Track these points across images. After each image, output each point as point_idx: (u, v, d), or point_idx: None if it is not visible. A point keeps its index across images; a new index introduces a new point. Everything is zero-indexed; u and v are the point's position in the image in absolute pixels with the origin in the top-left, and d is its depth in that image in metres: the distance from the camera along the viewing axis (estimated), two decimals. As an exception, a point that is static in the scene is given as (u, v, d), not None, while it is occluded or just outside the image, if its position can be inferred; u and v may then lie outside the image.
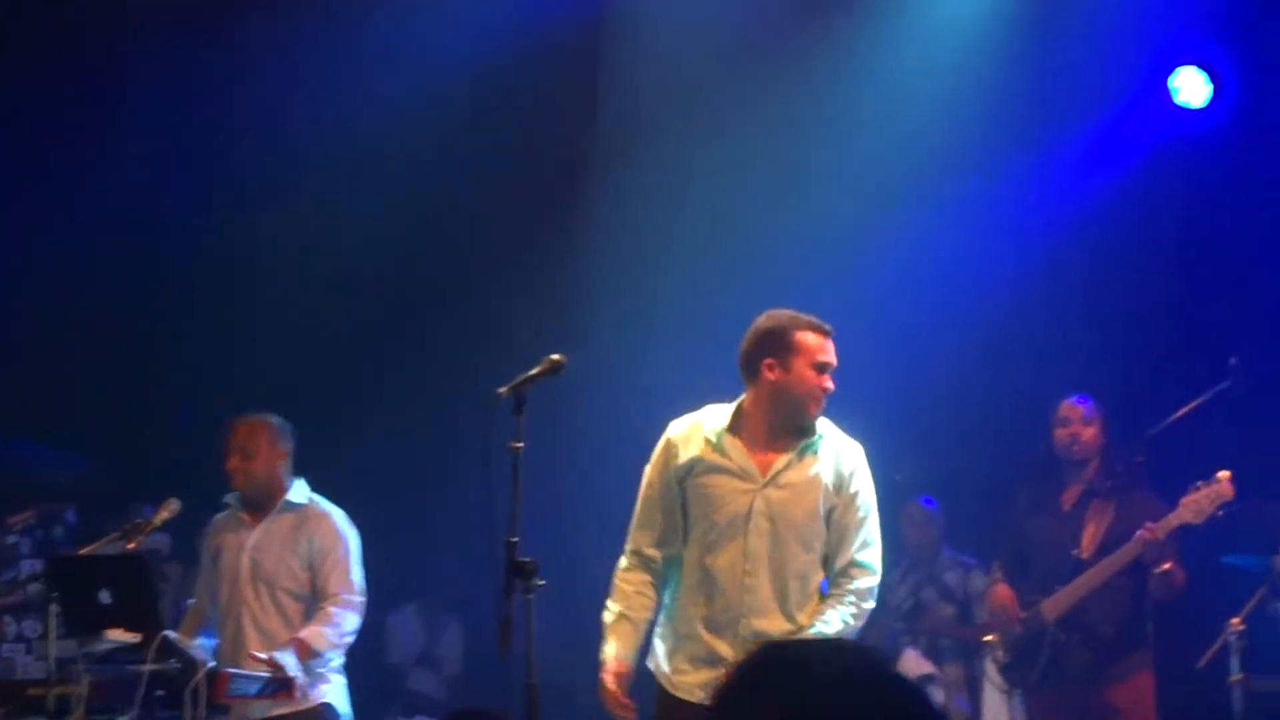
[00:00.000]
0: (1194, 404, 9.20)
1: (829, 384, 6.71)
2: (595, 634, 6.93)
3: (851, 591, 6.74)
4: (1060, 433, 9.04)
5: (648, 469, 6.89)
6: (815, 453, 6.76)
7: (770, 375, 6.70)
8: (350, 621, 8.38)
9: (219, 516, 8.72)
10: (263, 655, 8.07)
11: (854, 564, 6.77)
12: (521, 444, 6.44)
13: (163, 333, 11.79)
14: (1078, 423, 9.03)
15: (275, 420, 8.62)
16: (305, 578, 8.43)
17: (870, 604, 6.80)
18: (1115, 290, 10.92)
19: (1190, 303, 10.73)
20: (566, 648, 7.30)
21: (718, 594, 6.73)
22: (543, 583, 6.35)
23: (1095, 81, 10.93)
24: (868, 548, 6.79)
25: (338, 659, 8.46)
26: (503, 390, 6.49)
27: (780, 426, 6.75)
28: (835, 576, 6.78)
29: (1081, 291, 10.94)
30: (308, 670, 8.22)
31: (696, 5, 11.35)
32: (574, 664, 7.54)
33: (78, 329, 11.55)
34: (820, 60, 11.30)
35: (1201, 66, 10.71)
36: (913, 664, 10.54)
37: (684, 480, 6.78)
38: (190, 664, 7.61)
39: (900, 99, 11.26)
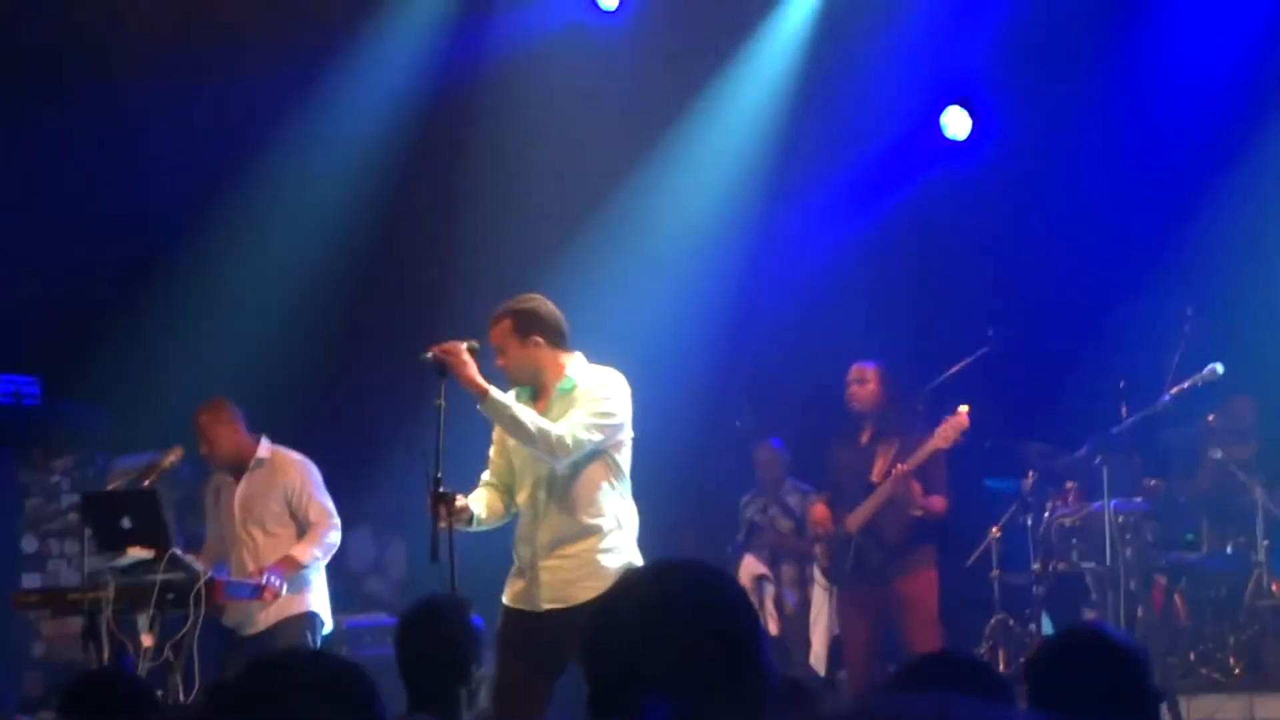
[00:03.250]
0: (961, 364, 9.43)
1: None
2: (501, 548, 7.05)
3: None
4: (847, 392, 9.21)
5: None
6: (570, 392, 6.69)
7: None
8: (329, 537, 8.38)
9: (213, 475, 8.70)
10: (256, 571, 8.15)
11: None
12: (443, 403, 6.49)
13: (163, 317, 11.65)
14: (855, 383, 9.11)
15: (217, 402, 8.53)
16: (287, 515, 8.40)
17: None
18: (906, 282, 11.06)
19: (962, 290, 10.95)
20: (484, 559, 7.44)
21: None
22: (461, 506, 6.48)
23: (877, 117, 10.95)
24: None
25: (321, 575, 8.45)
26: (427, 356, 6.52)
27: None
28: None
29: (879, 286, 10.98)
30: (296, 579, 8.24)
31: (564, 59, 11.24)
32: (489, 571, 7.62)
33: (97, 317, 11.47)
34: (659, 106, 11.31)
35: (964, 105, 10.76)
36: (751, 566, 10.58)
37: None
38: (193, 574, 7.68)
39: (721, 143, 11.30)
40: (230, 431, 8.50)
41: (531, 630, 6.62)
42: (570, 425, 6.53)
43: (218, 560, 8.47)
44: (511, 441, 6.73)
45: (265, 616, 8.28)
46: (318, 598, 8.47)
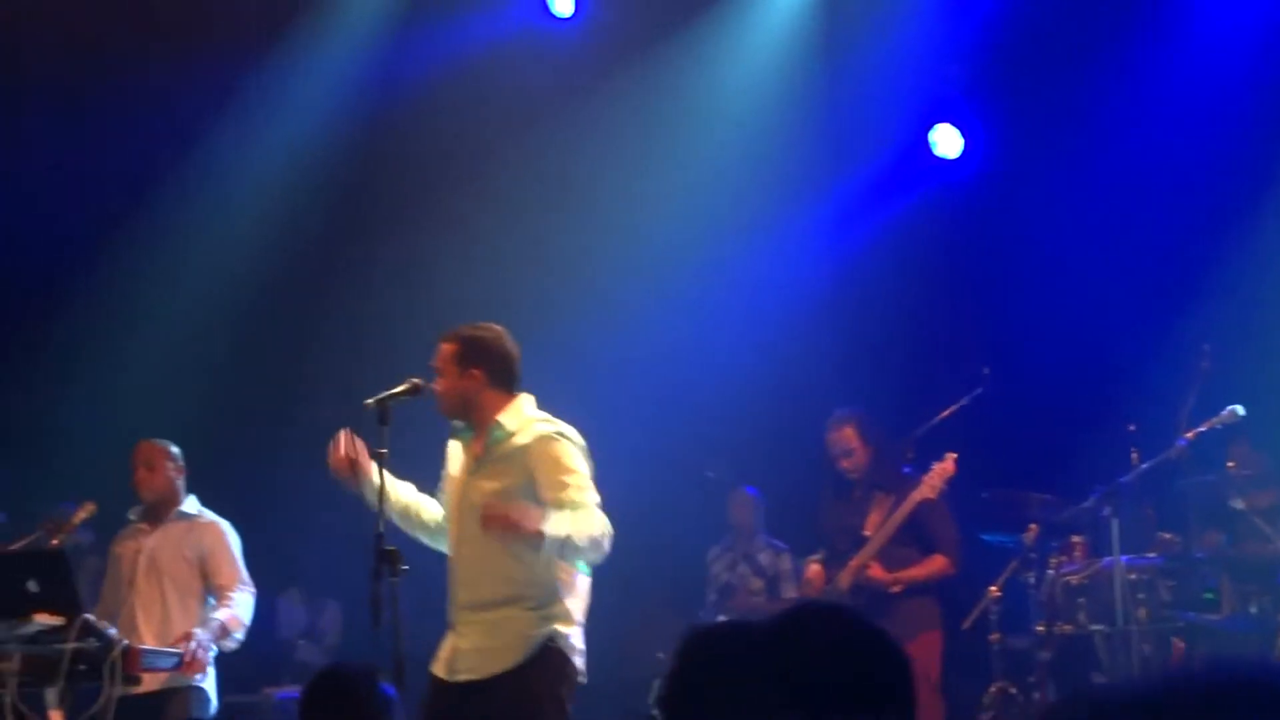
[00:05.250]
0: (954, 406, 9.43)
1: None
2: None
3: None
4: (839, 463, 9.15)
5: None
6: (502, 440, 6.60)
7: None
8: (249, 605, 8.41)
9: (122, 530, 8.65)
10: (183, 636, 8.06)
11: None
12: (386, 450, 6.43)
13: (66, 359, 11.57)
14: (842, 456, 9.11)
15: (171, 446, 8.62)
16: (194, 576, 8.39)
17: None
18: (892, 314, 11.03)
19: (954, 324, 10.94)
20: (428, 621, 7.33)
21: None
22: (406, 568, 6.29)
23: (866, 136, 10.99)
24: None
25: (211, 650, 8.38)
26: (369, 402, 6.46)
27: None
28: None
29: (863, 317, 11.00)
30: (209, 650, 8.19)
31: (524, 63, 11.26)
32: (435, 636, 7.51)
33: None
34: (630, 117, 11.28)
35: (955, 123, 10.85)
36: None
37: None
38: (107, 642, 7.58)
39: (704, 151, 11.25)
40: (171, 468, 8.57)
41: (444, 702, 6.50)
42: (591, 511, 6.36)
43: (109, 619, 8.26)
44: (449, 483, 6.66)
45: (153, 677, 8.09)
46: (208, 675, 8.34)
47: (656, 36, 11.14)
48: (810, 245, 11.16)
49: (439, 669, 6.57)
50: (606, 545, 6.43)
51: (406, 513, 6.75)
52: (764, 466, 11.25)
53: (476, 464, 6.58)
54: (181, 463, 8.64)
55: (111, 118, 11.06)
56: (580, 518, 6.35)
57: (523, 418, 6.58)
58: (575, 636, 6.56)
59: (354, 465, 6.55)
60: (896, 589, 8.85)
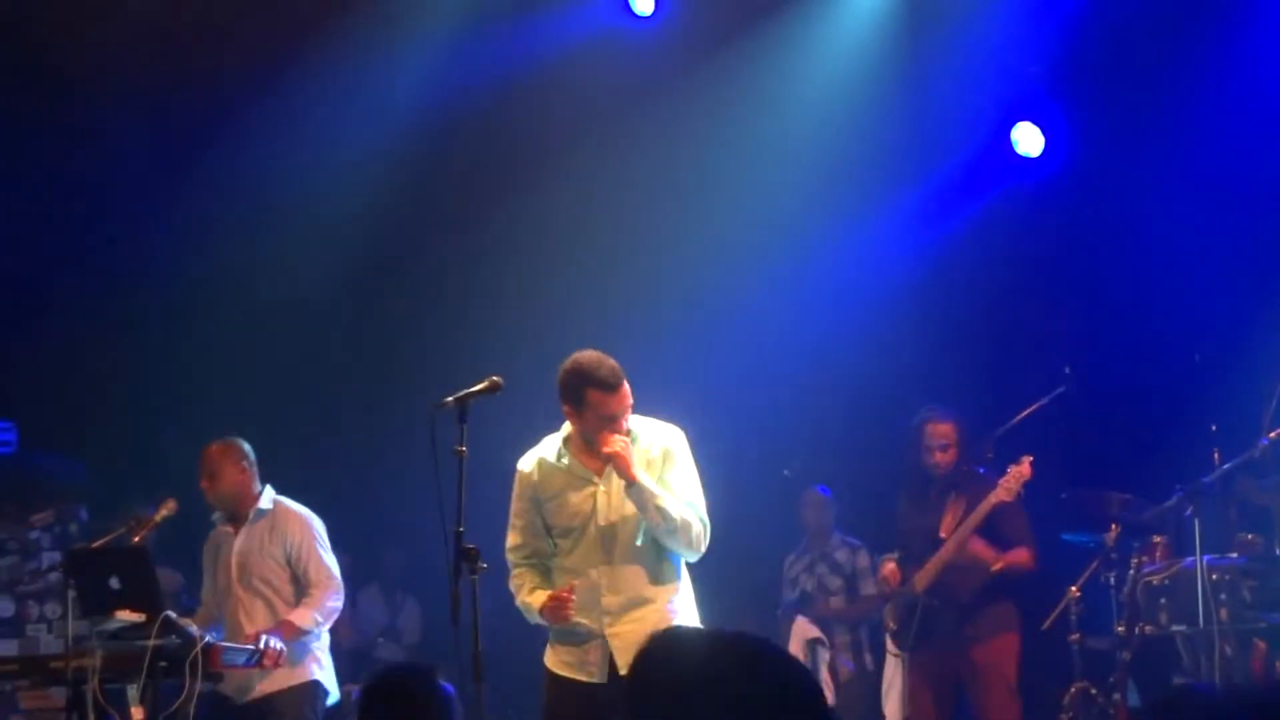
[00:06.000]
0: (1035, 406, 9.39)
1: (621, 427, 6.78)
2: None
3: None
4: (927, 458, 9.11)
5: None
6: (633, 445, 6.83)
7: (570, 417, 6.88)
8: (330, 601, 8.41)
9: (213, 531, 8.71)
10: (253, 635, 8.12)
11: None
12: (465, 448, 6.51)
13: (151, 359, 11.65)
14: (938, 450, 9.08)
15: (235, 442, 8.59)
16: (286, 573, 8.44)
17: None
18: (973, 313, 10.96)
19: (1036, 323, 10.84)
20: (507, 619, 7.36)
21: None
22: (485, 565, 6.43)
23: (950, 133, 10.96)
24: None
25: (324, 641, 8.50)
26: (448, 400, 6.58)
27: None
28: None
29: (942, 315, 10.95)
30: (298, 646, 8.27)
31: (605, 63, 11.26)
32: (513, 632, 7.51)
33: (80, 358, 11.49)
34: (713, 114, 11.28)
35: (1037, 121, 10.79)
36: (804, 629, 10.63)
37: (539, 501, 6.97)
38: (188, 639, 7.67)
39: (787, 148, 11.20)
40: (237, 472, 8.56)
41: (588, 701, 6.72)
42: (698, 512, 6.84)
43: (213, 622, 8.50)
44: (556, 502, 6.87)
45: (265, 684, 8.31)
46: (321, 665, 8.48)
47: (737, 34, 11.12)
48: (891, 243, 11.11)
49: (574, 672, 6.80)
50: (696, 542, 6.80)
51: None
52: (840, 464, 11.24)
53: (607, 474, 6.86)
54: (251, 458, 8.62)
55: (189, 116, 11.17)
56: (681, 506, 6.76)
57: (646, 423, 6.95)
58: None
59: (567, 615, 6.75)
60: (998, 567, 8.87)
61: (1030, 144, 10.83)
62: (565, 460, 6.89)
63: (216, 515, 8.70)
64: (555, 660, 6.89)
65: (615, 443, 6.69)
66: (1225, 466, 8.86)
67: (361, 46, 11.06)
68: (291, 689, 8.31)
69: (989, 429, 9.38)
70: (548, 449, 6.98)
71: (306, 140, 11.21)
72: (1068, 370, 9.42)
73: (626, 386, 6.75)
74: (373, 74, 11.17)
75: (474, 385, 6.69)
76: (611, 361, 6.77)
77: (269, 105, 11.06)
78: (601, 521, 6.84)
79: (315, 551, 8.49)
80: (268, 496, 8.60)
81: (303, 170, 11.25)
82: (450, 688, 5.20)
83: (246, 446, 8.63)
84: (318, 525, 8.60)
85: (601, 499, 6.85)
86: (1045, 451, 8.96)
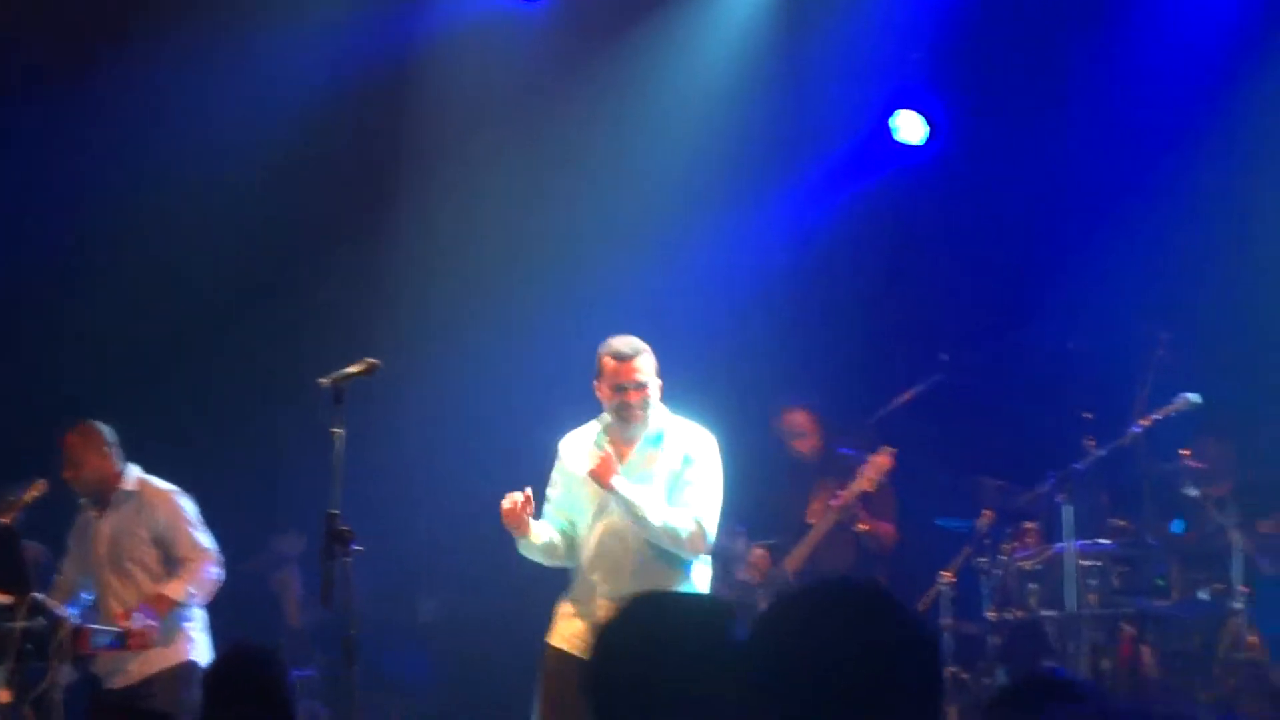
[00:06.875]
0: (911, 392, 9.50)
1: (630, 398, 7.09)
2: (409, 590, 6.99)
3: None
4: (788, 446, 9.36)
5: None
6: (658, 447, 7.18)
7: (597, 391, 7.19)
8: (205, 573, 8.26)
9: (79, 515, 8.60)
10: (122, 615, 8.02)
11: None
12: (341, 430, 6.46)
13: (20, 336, 11.46)
14: (795, 438, 9.38)
15: (93, 426, 8.47)
16: (156, 553, 8.32)
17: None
18: (851, 300, 10.96)
19: (912, 311, 10.88)
20: (385, 603, 7.33)
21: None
22: (360, 548, 6.35)
23: (826, 121, 10.98)
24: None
25: (200, 620, 8.36)
26: (324, 381, 6.55)
27: (621, 429, 7.18)
28: None
29: (821, 303, 10.96)
30: (170, 624, 8.16)
31: (492, 48, 11.20)
32: (391, 617, 7.49)
33: None
34: (599, 100, 11.23)
35: (918, 109, 10.80)
36: None
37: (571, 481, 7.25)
38: (56, 622, 7.60)
39: (664, 139, 11.18)
40: (98, 457, 8.44)
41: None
42: (699, 512, 7.08)
43: (73, 596, 8.37)
44: (577, 483, 7.17)
45: (138, 667, 8.19)
46: (196, 645, 8.33)
47: (622, 22, 11.11)
48: (771, 233, 11.09)
49: (574, 646, 6.96)
50: (689, 545, 7.06)
51: (553, 553, 7.24)
52: (723, 449, 11.22)
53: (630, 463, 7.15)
54: (111, 439, 8.49)
55: (89, 103, 11.02)
56: (672, 511, 7.03)
57: (673, 419, 7.29)
58: None
59: (523, 520, 6.96)
60: (864, 527, 9.15)
61: (911, 131, 10.85)
62: (598, 448, 7.15)
63: (84, 500, 8.58)
64: (557, 635, 7.13)
65: (594, 458, 7.04)
66: (1098, 453, 8.99)
67: (250, 26, 10.94)
68: (166, 671, 8.19)
69: (867, 415, 9.42)
70: (586, 433, 7.29)
71: (185, 118, 11.08)
72: (944, 357, 9.51)
73: (640, 362, 7.09)
74: (260, 53, 11.04)
75: (350, 367, 6.65)
76: (637, 340, 7.18)
77: (151, 82, 10.92)
78: (612, 512, 7.10)
79: (183, 528, 8.35)
80: (131, 477, 8.47)
81: (182, 149, 11.11)
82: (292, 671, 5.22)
83: (105, 429, 8.50)
84: (185, 502, 8.46)
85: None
86: (922, 438, 9.06)
